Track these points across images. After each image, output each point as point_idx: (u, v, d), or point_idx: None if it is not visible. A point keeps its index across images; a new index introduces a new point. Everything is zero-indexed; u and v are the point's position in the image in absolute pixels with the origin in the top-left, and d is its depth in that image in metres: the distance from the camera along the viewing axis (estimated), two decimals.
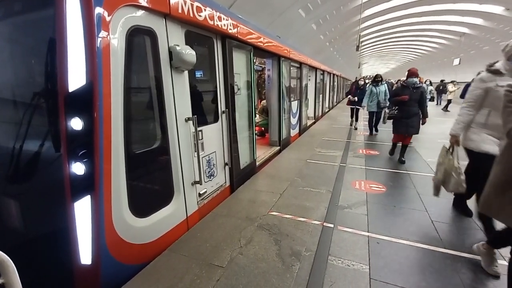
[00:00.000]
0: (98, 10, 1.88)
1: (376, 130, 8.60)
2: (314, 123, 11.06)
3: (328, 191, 4.03)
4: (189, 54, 2.68)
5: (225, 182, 3.97)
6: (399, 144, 5.66)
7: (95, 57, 1.88)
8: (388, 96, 7.65)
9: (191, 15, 2.81)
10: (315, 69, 10.74)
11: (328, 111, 15.84)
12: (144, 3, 2.26)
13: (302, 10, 13.70)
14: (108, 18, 1.96)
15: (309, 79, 10.38)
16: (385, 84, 8.10)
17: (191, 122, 2.96)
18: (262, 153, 5.95)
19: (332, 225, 3.07)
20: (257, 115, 7.48)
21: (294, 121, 8.08)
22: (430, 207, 3.51)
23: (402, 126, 5.27)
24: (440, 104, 17.63)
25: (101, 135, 1.95)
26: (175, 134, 2.74)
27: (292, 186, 4.26)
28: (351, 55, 33.53)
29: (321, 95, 12.83)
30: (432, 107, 12.75)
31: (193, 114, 2.98)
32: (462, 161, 3.00)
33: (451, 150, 3.09)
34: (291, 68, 7.39)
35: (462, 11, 19.02)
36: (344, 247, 2.68)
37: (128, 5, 2.13)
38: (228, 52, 3.75)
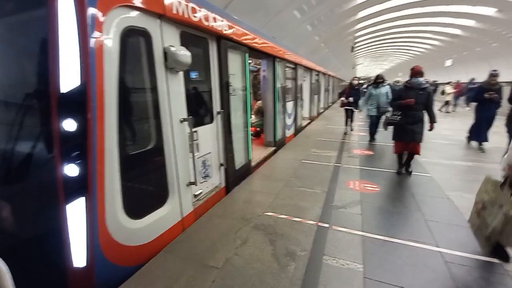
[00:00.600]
0: (92, 10, 1.87)
1: (374, 138, 7.56)
2: (309, 123, 11.10)
3: (323, 191, 4.05)
4: (184, 55, 2.67)
5: (221, 182, 3.97)
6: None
7: (89, 58, 1.87)
8: (390, 100, 6.70)
9: (186, 16, 2.80)
10: (310, 69, 10.79)
11: (323, 111, 15.91)
12: (138, 4, 2.25)
13: (297, 11, 13.75)
14: (102, 19, 1.95)
15: (304, 80, 10.42)
16: (387, 86, 7.27)
17: (186, 123, 2.95)
18: (257, 154, 5.95)
19: (327, 225, 3.09)
20: (253, 116, 7.48)
21: (289, 121, 8.11)
22: (423, 206, 3.55)
23: (407, 133, 4.52)
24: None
25: (94, 137, 1.94)
26: (170, 135, 2.73)
27: (287, 186, 4.27)
28: (346, 56, 33.73)
29: (316, 96, 12.89)
30: None
31: (188, 115, 2.98)
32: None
33: (508, 185, 2.20)
34: (286, 69, 7.42)
35: (455, 13, 19.28)
36: (339, 246, 2.69)
37: (123, 6, 2.12)
38: (223, 53, 3.75)
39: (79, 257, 2.00)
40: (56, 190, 1.94)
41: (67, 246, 1.98)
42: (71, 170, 1.92)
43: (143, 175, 2.61)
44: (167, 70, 2.66)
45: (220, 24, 3.51)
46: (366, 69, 64.26)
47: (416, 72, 4.52)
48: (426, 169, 5.03)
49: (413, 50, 34.61)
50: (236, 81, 4.59)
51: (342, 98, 8.85)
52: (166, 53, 2.61)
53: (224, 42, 3.77)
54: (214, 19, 3.34)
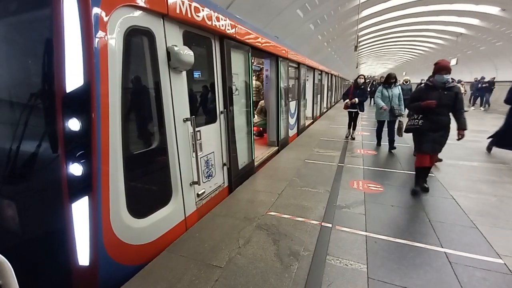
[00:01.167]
0: (96, 10, 1.88)
1: (394, 147, 6.49)
2: (312, 123, 11.07)
3: (326, 191, 4.04)
4: (187, 54, 2.67)
5: (224, 182, 3.97)
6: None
7: (93, 58, 1.87)
8: (403, 101, 6.25)
9: (189, 15, 2.80)
10: (313, 69, 10.75)
11: (326, 111, 15.87)
12: (142, 4, 2.25)
13: (300, 10, 13.73)
14: (105, 19, 1.95)
15: (307, 79, 10.39)
16: (399, 86, 6.57)
17: (189, 122, 2.96)
18: (260, 153, 5.95)
19: (330, 225, 3.08)
20: (256, 115, 7.48)
21: (292, 121, 8.09)
22: (427, 206, 3.52)
23: (428, 142, 3.72)
24: None
25: (99, 136, 1.95)
26: (173, 134, 2.74)
27: (290, 186, 4.26)
28: (349, 55, 33.63)
29: (319, 95, 12.85)
30: None
31: (191, 115, 2.98)
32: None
33: None
34: (289, 68, 7.39)
35: (458, 12, 19.15)
36: (342, 246, 2.68)
37: (126, 6, 2.13)
38: (226, 52, 3.75)
39: (83, 256, 2.01)
40: (60, 189, 1.95)
41: (72, 244, 1.99)
42: (76, 169, 1.93)
43: (147, 174, 2.61)
44: (170, 70, 2.66)
45: (223, 24, 3.51)
46: (369, 68, 64.00)
47: (441, 68, 3.61)
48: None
49: (417, 49, 34.42)
50: (239, 81, 4.59)
51: (347, 101, 7.62)
52: (169, 53, 2.61)
53: (227, 41, 3.77)
54: (217, 18, 3.34)
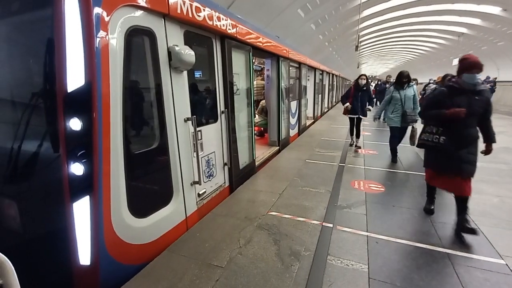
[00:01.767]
0: (97, 10, 1.88)
1: (395, 160, 5.60)
2: (313, 123, 11.07)
3: (327, 191, 4.03)
4: (188, 54, 2.67)
5: (224, 182, 3.97)
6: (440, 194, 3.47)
7: (94, 57, 1.88)
8: (418, 105, 5.23)
9: (190, 15, 2.80)
10: (314, 69, 10.74)
11: (327, 111, 15.86)
12: (143, 3, 2.25)
13: (301, 10, 13.72)
14: (107, 18, 1.95)
15: (308, 79, 10.38)
16: (414, 87, 5.41)
17: (190, 122, 2.96)
18: (261, 153, 5.95)
19: (331, 225, 3.08)
20: (256, 115, 7.48)
21: (293, 121, 8.09)
22: None
23: (451, 160, 2.86)
24: None
25: (100, 136, 1.95)
26: (174, 134, 2.74)
27: (291, 186, 4.26)
28: (350, 55, 33.59)
29: (320, 95, 12.84)
30: None
31: (192, 114, 2.98)
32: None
33: None
34: (290, 68, 7.39)
35: (460, 11, 19.11)
36: (343, 246, 2.68)
37: (127, 5, 2.13)
38: (227, 52, 3.75)
39: (84, 255, 2.02)
40: (62, 189, 1.96)
41: (73, 244, 2.00)
42: (77, 169, 1.93)
43: (148, 174, 2.61)
44: (171, 70, 2.66)
45: (224, 23, 3.51)
46: (370, 68, 63.89)
47: (471, 65, 2.67)
48: None
49: (418, 49, 34.35)
50: (240, 81, 4.59)
51: (347, 104, 6.58)
52: (170, 53, 2.61)
53: (228, 41, 3.77)
54: (218, 18, 3.34)
